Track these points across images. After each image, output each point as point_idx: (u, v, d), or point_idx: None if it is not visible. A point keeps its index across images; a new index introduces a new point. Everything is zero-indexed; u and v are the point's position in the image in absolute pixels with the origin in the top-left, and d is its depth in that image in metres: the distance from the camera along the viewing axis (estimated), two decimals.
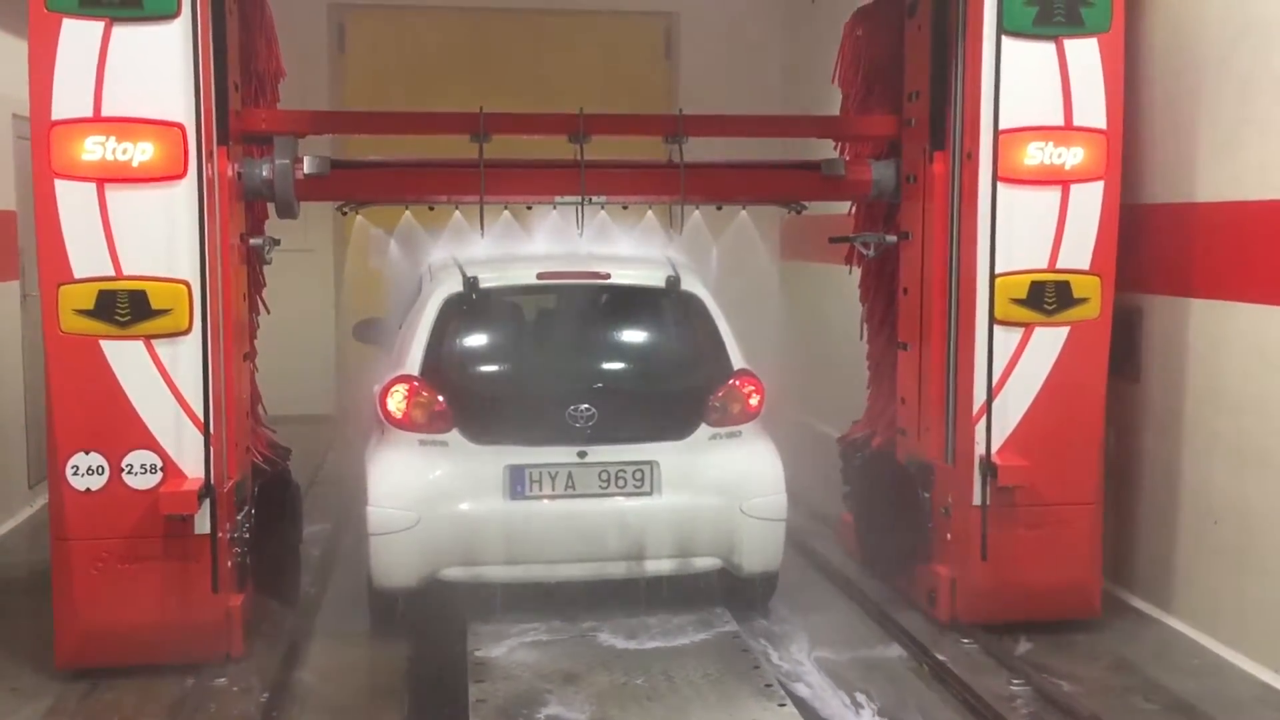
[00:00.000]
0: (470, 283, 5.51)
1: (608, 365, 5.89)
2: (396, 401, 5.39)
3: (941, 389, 5.69)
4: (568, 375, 5.55)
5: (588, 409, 5.31)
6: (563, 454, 5.35)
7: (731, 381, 5.58)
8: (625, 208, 6.23)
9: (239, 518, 5.29)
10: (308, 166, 5.73)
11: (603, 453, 5.37)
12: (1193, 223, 5.52)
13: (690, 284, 5.73)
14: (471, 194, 5.93)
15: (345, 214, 6.39)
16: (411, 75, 9.41)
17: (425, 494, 5.31)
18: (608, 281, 5.75)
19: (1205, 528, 5.47)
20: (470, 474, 5.33)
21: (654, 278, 5.74)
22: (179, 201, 4.83)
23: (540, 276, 5.76)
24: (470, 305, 5.54)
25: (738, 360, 5.63)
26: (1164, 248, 5.70)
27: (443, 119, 6.04)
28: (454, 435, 5.35)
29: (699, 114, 6.16)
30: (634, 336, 6.07)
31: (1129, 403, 5.88)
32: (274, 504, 5.59)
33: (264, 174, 5.65)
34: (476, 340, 5.81)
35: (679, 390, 5.65)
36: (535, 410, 5.38)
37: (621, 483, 5.39)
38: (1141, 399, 5.86)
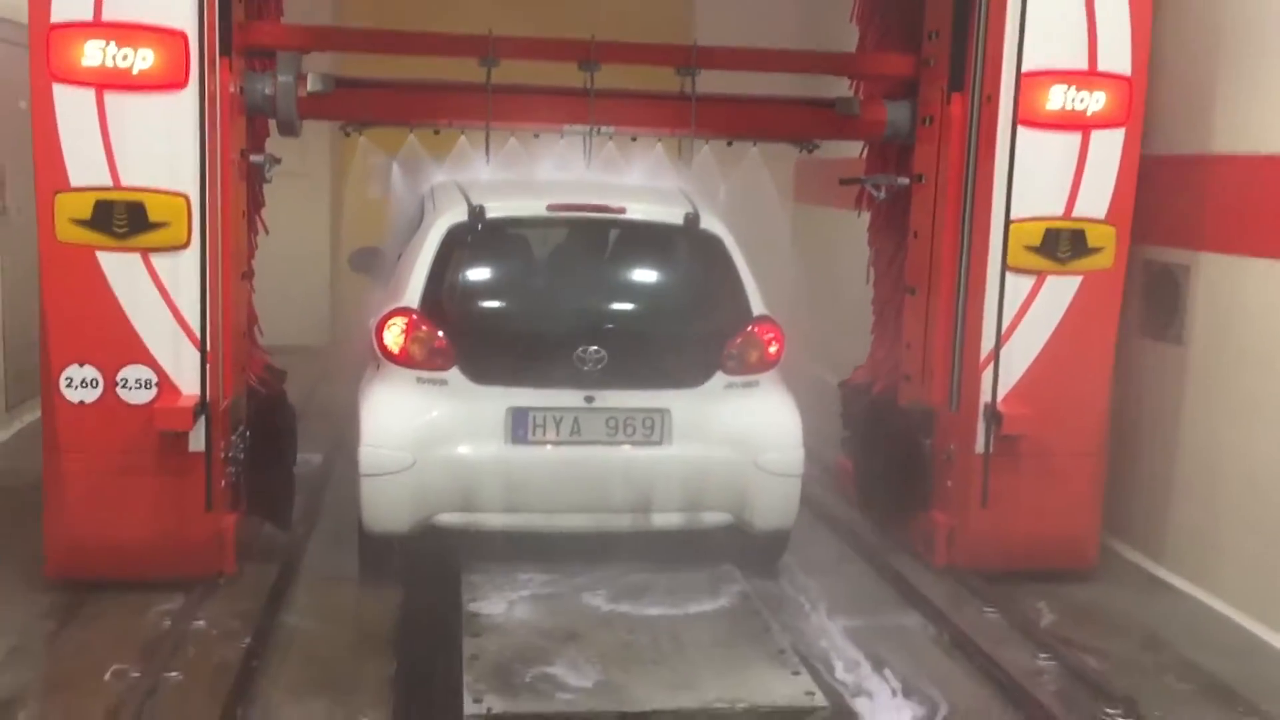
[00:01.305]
0: (476, 212, 5.19)
1: (619, 306, 5.61)
2: (394, 335, 5.07)
3: (949, 335, 5.62)
4: (577, 314, 5.28)
5: (597, 351, 5.01)
6: (569, 397, 5.05)
7: (750, 328, 5.25)
8: (634, 139, 6.10)
9: (234, 437, 5.23)
10: (311, 84, 5.60)
11: (611, 398, 5.07)
12: (1254, 175, 5.27)
13: (710, 222, 5.38)
14: (478, 118, 5.82)
15: (348, 134, 6.25)
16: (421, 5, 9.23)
17: (422, 435, 5.01)
18: (622, 216, 5.41)
19: (1247, 498, 5.25)
20: (470, 415, 5.03)
21: (672, 214, 5.39)
22: (180, 112, 4.71)
23: (551, 208, 5.41)
24: (475, 236, 5.23)
25: (758, 306, 5.30)
26: (1218, 200, 5.47)
27: (451, 40, 5.89)
28: (454, 374, 5.03)
29: (712, 45, 6.03)
30: (648, 276, 5.75)
31: (1171, 367, 5.72)
32: (269, 426, 5.52)
33: (266, 90, 5.52)
34: (481, 273, 5.48)
35: (694, 335, 5.30)
36: (541, 350, 5.09)
37: (630, 430, 5.11)
38: (1183, 362, 5.67)
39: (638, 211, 5.45)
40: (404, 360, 5.09)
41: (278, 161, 5.90)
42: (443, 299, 5.18)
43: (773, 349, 5.30)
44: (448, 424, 5.04)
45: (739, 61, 6.31)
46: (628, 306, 5.64)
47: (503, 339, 5.23)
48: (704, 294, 5.51)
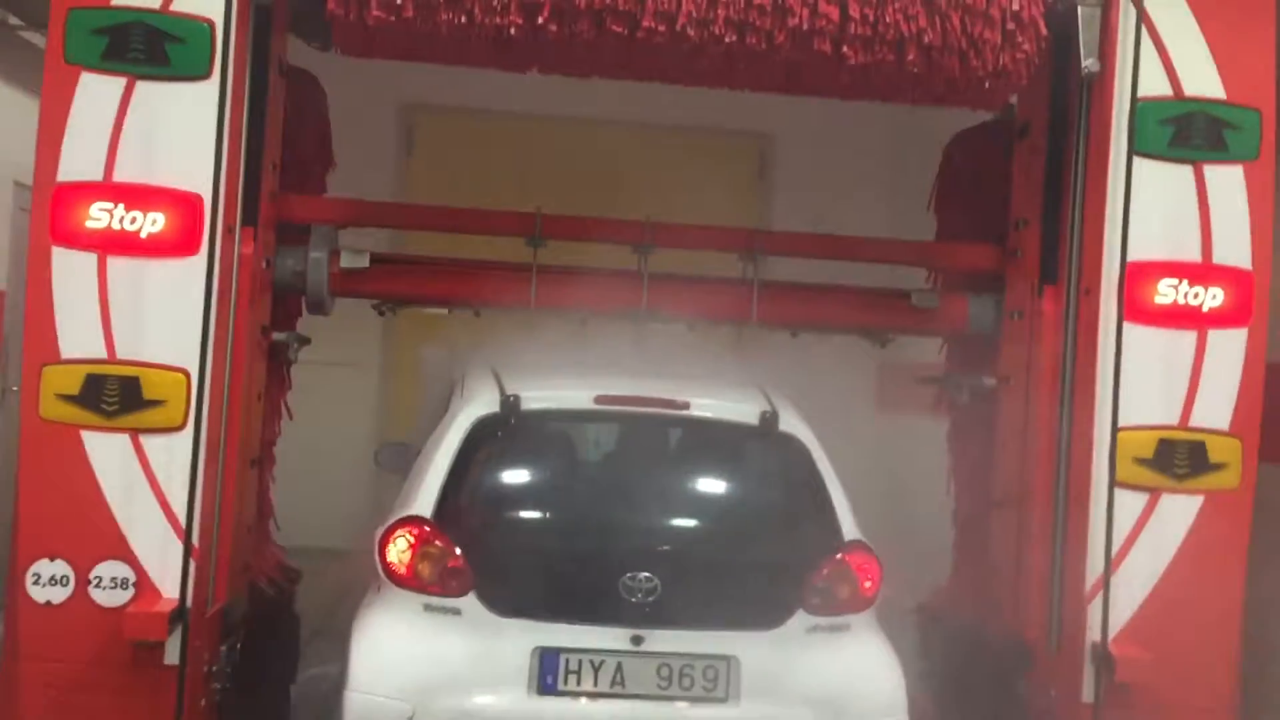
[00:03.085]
0: (509, 402, 4.44)
1: (678, 523, 4.69)
2: (398, 550, 4.22)
3: (1046, 559, 4.87)
4: (625, 532, 4.41)
5: (648, 579, 4.13)
6: (612, 637, 4.15)
7: (840, 556, 4.34)
8: (691, 327, 5.59)
9: (223, 649, 4.59)
10: (344, 259, 5.21)
11: (665, 639, 4.16)
12: None
13: (790, 423, 4.57)
14: (521, 301, 5.36)
15: (383, 314, 5.84)
16: (481, 184, 8.96)
17: (425, 679, 4.12)
18: (685, 413, 4.59)
19: None
20: (488, 655, 4.14)
21: (744, 412, 4.57)
22: (187, 281, 4.29)
23: (599, 401, 4.62)
24: (506, 431, 4.47)
25: (850, 528, 4.40)
26: None
27: (497, 217, 5.52)
28: (470, 601, 4.15)
29: (776, 231, 5.58)
30: (714, 487, 4.89)
31: None
32: (267, 637, 4.89)
33: (295, 265, 5.13)
34: (510, 477, 4.69)
35: (770, 563, 4.39)
36: (580, 576, 4.29)
37: (687, 683, 4.15)
38: None
39: (703, 408, 4.64)
40: (410, 582, 4.21)
41: (306, 342, 5.49)
42: (462, 508, 4.37)
43: (868, 583, 4.35)
44: (459, 666, 4.15)
45: (804, 247, 5.86)
46: (688, 524, 4.75)
47: (533, 560, 4.37)
48: (783, 511, 4.69)
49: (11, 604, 4.29)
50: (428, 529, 4.27)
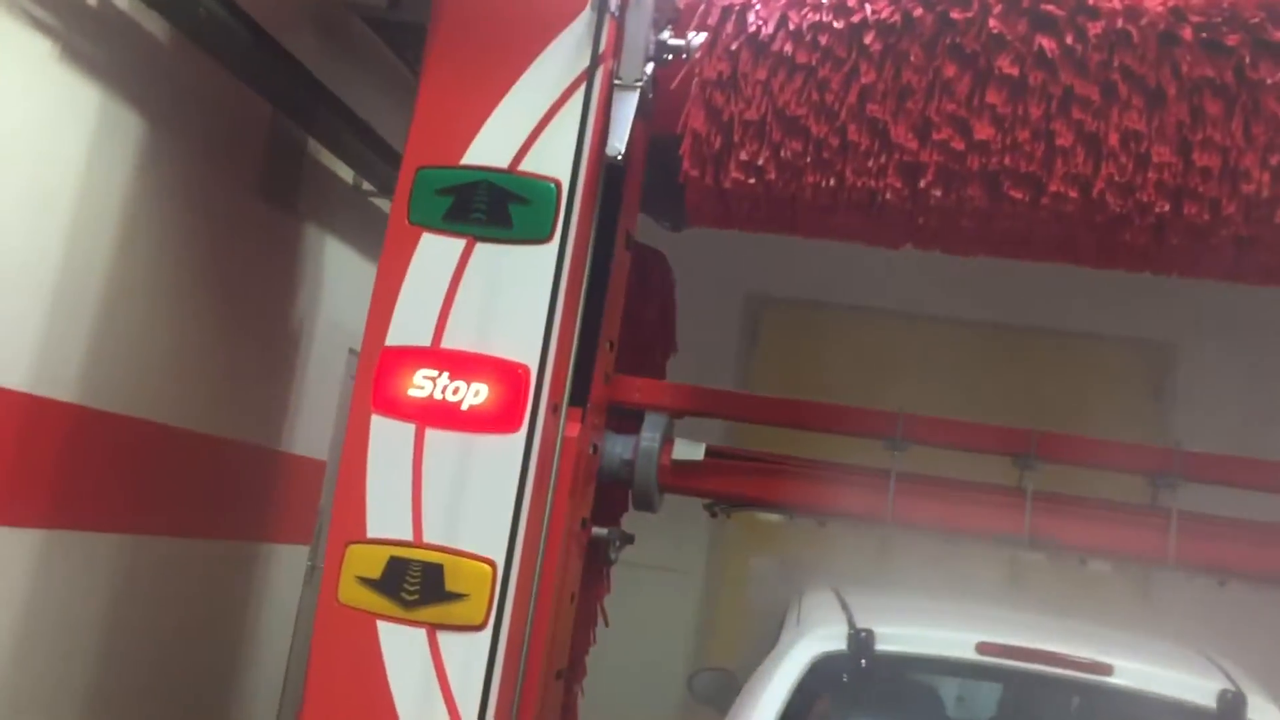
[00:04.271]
0: (859, 639, 3.66)
1: None
2: None
3: None
4: None
5: None
6: None
7: None
8: (1083, 562, 4.56)
9: None
10: (678, 450, 4.65)
11: None
12: None
13: (1263, 710, 3.55)
14: (876, 512, 4.57)
15: (714, 515, 5.20)
16: (826, 383, 8.35)
17: None
18: (1105, 680, 3.65)
19: None
20: None
21: (1191, 687, 3.61)
22: (504, 460, 3.84)
23: (983, 650, 3.73)
24: (854, 676, 3.67)
25: None
26: None
27: (852, 415, 4.81)
28: None
29: (1202, 452, 4.52)
30: None
31: None
32: None
33: (624, 453, 4.63)
34: None
35: None
36: None
37: None
38: None
39: (1131, 675, 3.64)
40: None
41: (629, 540, 4.93)
42: None
43: None
44: None
45: (1237, 474, 4.72)
46: None
47: None
48: None
49: None
50: None
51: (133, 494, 5.13)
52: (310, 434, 6.55)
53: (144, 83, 4.81)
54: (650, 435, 4.65)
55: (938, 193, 3.75)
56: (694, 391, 4.91)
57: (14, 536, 4.48)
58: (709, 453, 4.71)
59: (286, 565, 6.53)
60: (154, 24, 4.79)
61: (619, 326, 4.65)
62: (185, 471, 5.48)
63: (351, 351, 6.16)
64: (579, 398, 4.21)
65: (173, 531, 5.41)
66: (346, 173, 6.60)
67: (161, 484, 5.33)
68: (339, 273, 6.59)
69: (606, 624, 5.18)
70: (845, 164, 3.81)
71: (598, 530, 4.63)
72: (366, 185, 6.56)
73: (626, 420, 4.84)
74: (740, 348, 8.74)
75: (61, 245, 4.47)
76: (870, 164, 3.78)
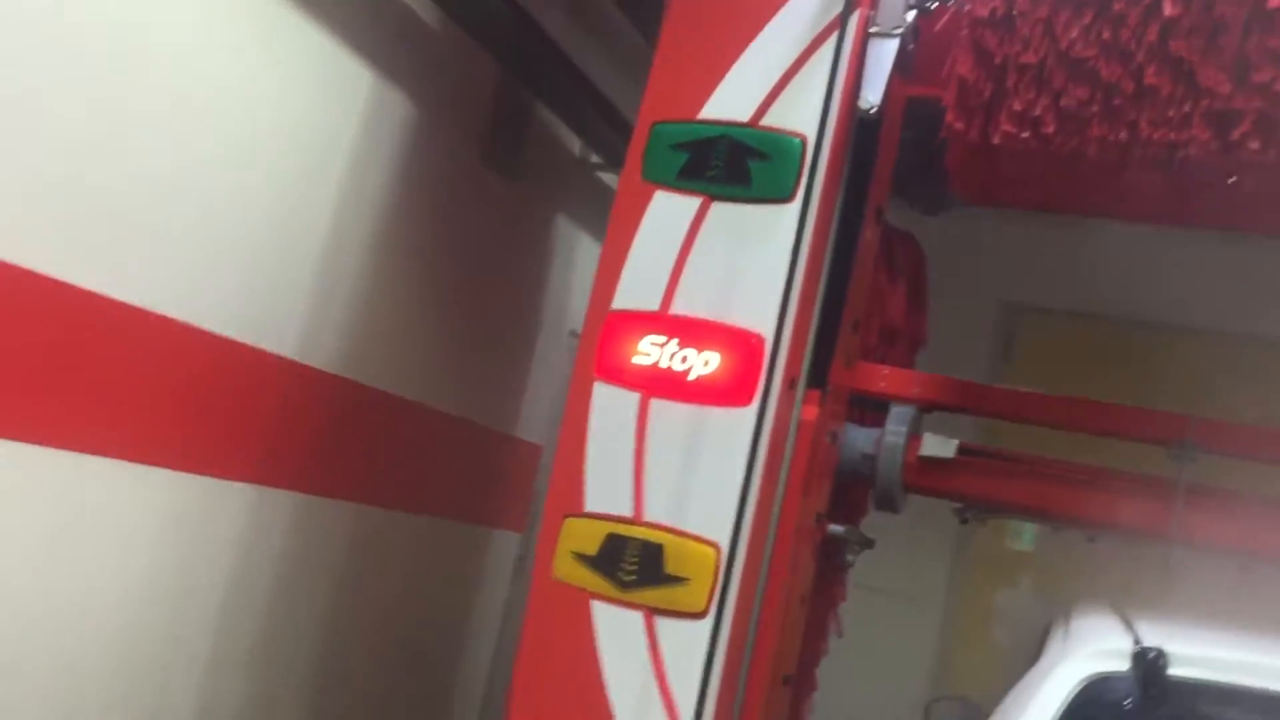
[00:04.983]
0: (1147, 660, 2.99)
1: None
2: None
3: None
4: None
5: None
6: None
7: None
8: None
9: None
10: (926, 445, 4.21)
11: None
12: None
13: None
14: (1158, 528, 3.98)
15: (964, 522, 4.70)
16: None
17: None
18: None
19: None
20: None
21: None
22: (733, 435, 3.52)
23: None
24: (1138, 707, 2.98)
25: None
26: None
27: (1129, 416, 4.24)
28: None
29: None
30: None
31: None
32: None
33: (865, 447, 4.23)
34: None
35: None
36: None
37: None
38: None
39: None
40: None
41: (868, 544, 4.52)
42: None
43: None
44: None
45: None
46: None
47: None
48: None
49: None
50: None
51: (360, 462, 5.11)
52: (528, 416, 6.33)
53: (378, 40, 4.73)
54: (896, 429, 4.24)
55: (1254, 145, 3.19)
56: (947, 383, 4.45)
57: (274, 498, 4.53)
58: (962, 450, 4.24)
59: (497, 551, 6.34)
60: None
61: (864, 308, 4.27)
62: (408, 442, 5.41)
63: (572, 334, 5.95)
64: (817, 379, 3.85)
65: (389, 504, 5.34)
66: (574, 143, 6.32)
67: (391, 454, 5.30)
68: (562, 248, 6.31)
69: (840, 634, 4.78)
70: (1140, 113, 3.30)
71: (833, 528, 4.24)
72: (594, 158, 6.30)
73: (868, 416, 4.46)
74: (991, 361, 8.06)
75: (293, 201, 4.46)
76: (1171, 113, 3.26)
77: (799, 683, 4.44)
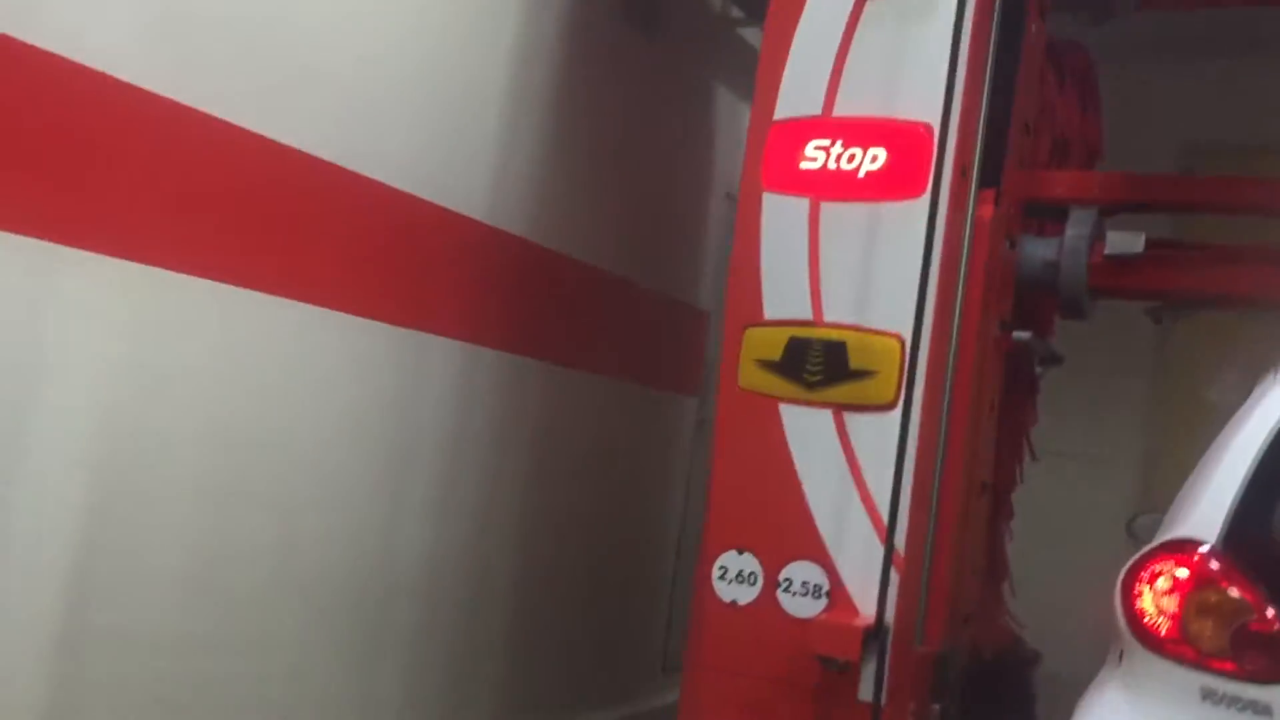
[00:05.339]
0: None
1: None
2: (1157, 595, 2.82)
3: None
4: None
5: None
6: None
7: None
8: None
9: (935, 708, 3.60)
10: (1112, 243, 4.09)
11: None
12: None
13: None
14: None
15: (1158, 321, 4.54)
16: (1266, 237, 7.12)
17: None
18: None
19: None
20: None
21: None
22: (907, 226, 3.51)
23: None
24: None
25: None
26: None
27: None
28: None
29: None
30: None
31: None
32: (999, 697, 3.82)
33: (1047, 254, 4.14)
34: None
35: None
36: None
37: None
38: None
39: None
40: (1177, 648, 2.78)
41: (1058, 360, 4.44)
42: (1276, 538, 2.86)
43: None
44: None
45: None
46: None
47: None
48: None
49: (697, 603, 3.74)
50: (1212, 563, 2.79)
51: (546, 323, 5.18)
52: (695, 282, 6.28)
53: None
54: (1077, 231, 4.12)
55: None
56: (1130, 180, 4.29)
57: (478, 354, 4.71)
58: (1149, 244, 4.10)
59: (672, 414, 6.32)
60: None
61: (1034, 110, 4.16)
62: (587, 305, 5.44)
63: (729, 196, 5.88)
64: (990, 177, 3.79)
65: (575, 364, 5.39)
66: None
67: (573, 316, 5.36)
68: (707, 108, 6.17)
69: (1033, 458, 4.71)
70: None
71: (1019, 334, 4.17)
72: (736, 13, 6.16)
73: (1048, 226, 4.34)
74: None
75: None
76: None
77: (997, 505, 4.41)
